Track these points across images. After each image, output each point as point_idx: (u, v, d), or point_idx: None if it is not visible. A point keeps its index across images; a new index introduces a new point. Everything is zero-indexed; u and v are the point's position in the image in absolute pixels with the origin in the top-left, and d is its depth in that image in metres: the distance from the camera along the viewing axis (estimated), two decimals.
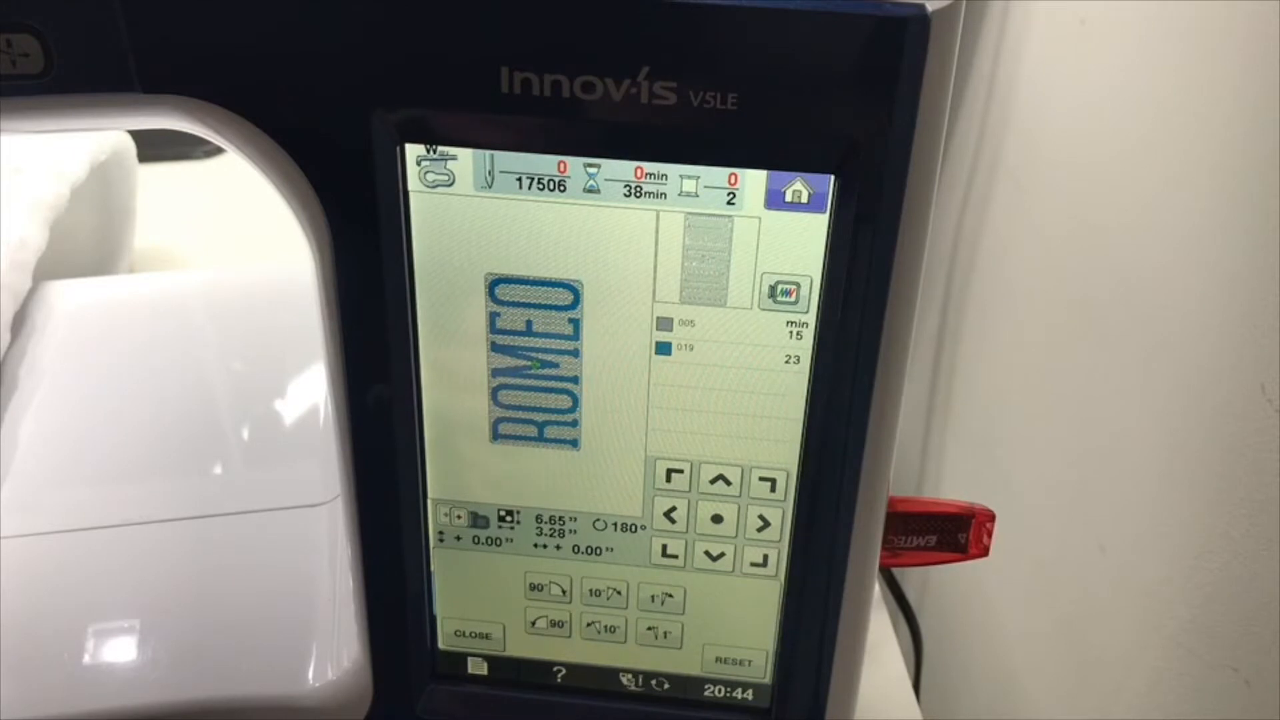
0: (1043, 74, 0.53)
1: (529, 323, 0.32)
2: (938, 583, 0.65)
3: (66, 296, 0.51)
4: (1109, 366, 0.46)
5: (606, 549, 0.35)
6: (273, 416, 0.45)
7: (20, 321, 0.49)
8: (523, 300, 0.31)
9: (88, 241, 0.62)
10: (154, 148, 0.72)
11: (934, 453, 0.67)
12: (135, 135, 0.64)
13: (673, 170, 0.29)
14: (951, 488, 0.65)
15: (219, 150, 0.80)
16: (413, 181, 0.30)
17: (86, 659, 0.37)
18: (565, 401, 0.33)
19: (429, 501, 0.34)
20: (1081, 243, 0.49)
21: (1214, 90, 0.39)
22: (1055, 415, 0.52)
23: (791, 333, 0.31)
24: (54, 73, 0.28)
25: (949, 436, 0.65)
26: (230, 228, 0.73)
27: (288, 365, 0.47)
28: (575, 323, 0.32)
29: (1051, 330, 0.52)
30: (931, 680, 0.62)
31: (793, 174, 0.29)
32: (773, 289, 0.31)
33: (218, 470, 0.43)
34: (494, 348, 0.32)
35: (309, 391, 0.46)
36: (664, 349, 0.32)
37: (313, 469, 0.42)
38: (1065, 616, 0.51)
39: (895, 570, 0.55)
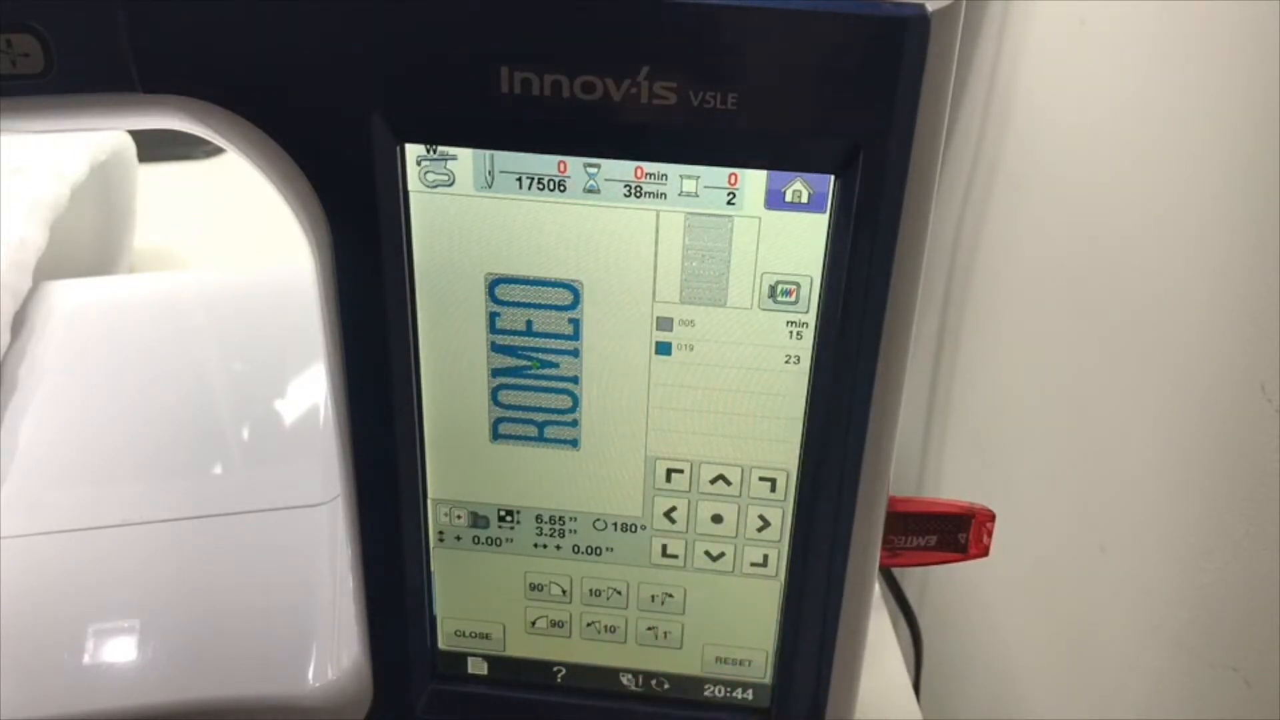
0: (1043, 74, 0.53)
1: (529, 323, 0.32)
2: (938, 583, 0.65)
3: (66, 296, 0.51)
4: (1109, 366, 0.46)
5: (606, 549, 0.35)
6: (273, 416, 0.45)
7: (20, 321, 0.49)
8: (523, 300, 0.31)
9: (88, 241, 0.62)
10: (154, 148, 0.72)
11: (934, 453, 0.67)
12: (135, 135, 0.64)
13: (673, 170, 0.29)
14: (951, 488, 0.65)
15: (219, 150, 0.79)
16: (413, 181, 0.30)
17: (87, 659, 0.37)
18: (565, 401, 0.33)
19: (429, 501, 0.34)
20: (1081, 242, 0.49)
21: (1213, 89, 0.39)
22: (1055, 415, 0.52)
23: (791, 333, 0.31)
24: (54, 73, 0.28)
25: (949, 436, 0.65)
26: (230, 228, 0.73)
27: (288, 365, 0.47)
28: (575, 323, 0.32)
29: (1051, 330, 0.52)
30: (931, 680, 0.62)
31: (793, 174, 0.29)
32: (773, 289, 0.31)
33: (218, 470, 0.43)
34: (494, 348, 0.32)
35: (309, 391, 0.46)
36: (664, 349, 0.32)
37: (313, 469, 0.42)
38: (1065, 616, 0.51)
39: (895, 570, 0.55)
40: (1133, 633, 0.45)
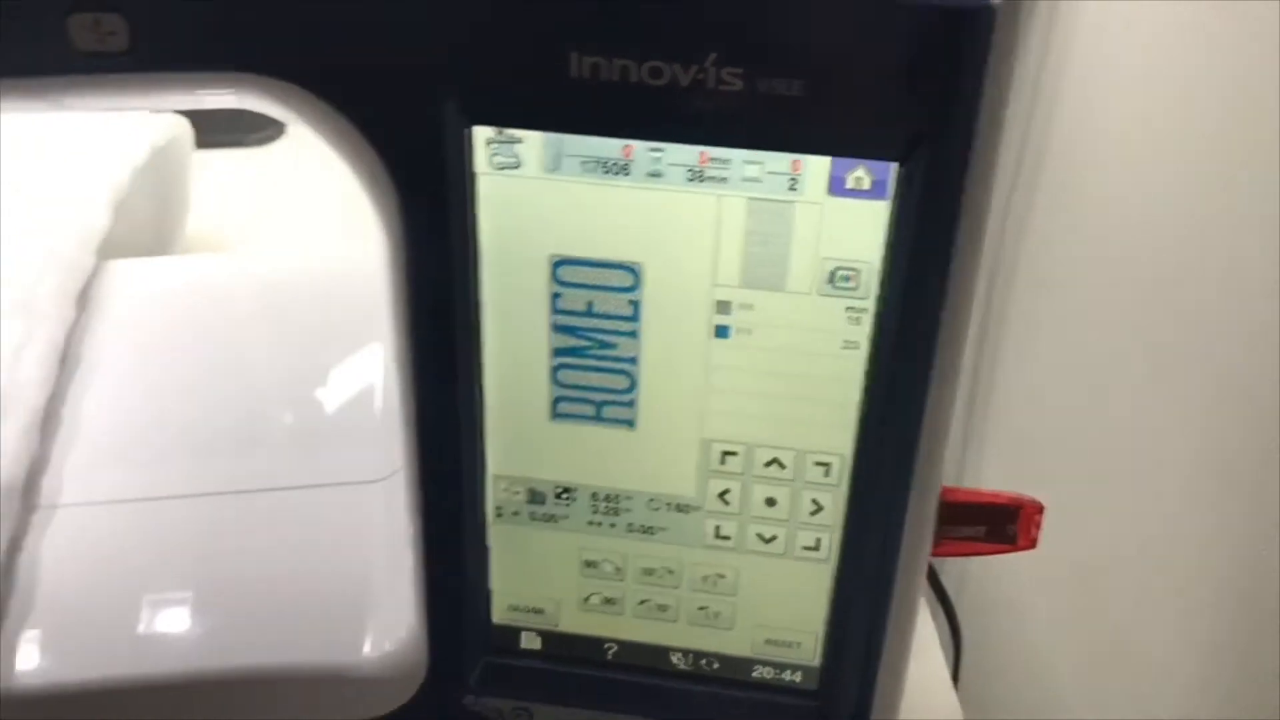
0: (1089, 73, 0.53)
1: (590, 304, 0.32)
2: (976, 577, 0.65)
3: (128, 276, 0.52)
4: (1154, 368, 0.46)
5: (660, 528, 0.35)
6: (332, 398, 0.46)
7: (84, 299, 0.50)
8: (584, 281, 0.32)
9: (144, 225, 0.63)
10: (206, 134, 0.72)
11: (974, 445, 0.67)
12: (189, 120, 0.65)
13: (736, 155, 0.30)
14: (990, 482, 0.65)
15: (271, 137, 0.80)
16: (480, 164, 0.31)
17: (146, 624, 0.38)
18: (623, 382, 0.33)
19: (489, 477, 0.35)
20: (1125, 239, 0.49)
21: (1267, 90, 0.39)
22: (1098, 416, 0.52)
23: (850, 318, 0.31)
24: (138, 50, 0.29)
25: (989, 434, 0.65)
26: (280, 215, 0.74)
27: (345, 349, 0.48)
28: (635, 304, 0.32)
29: (1096, 331, 0.52)
30: (969, 676, 0.62)
31: (855, 161, 0.29)
32: (832, 274, 0.31)
33: (279, 446, 0.44)
34: (555, 327, 0.33)
35: (366, 374, 0.47)
36: (722, 332, 0.32)
37: (370, 447, 0.43)
38: (1105, 616, 0.51)
39: (933, 565, 0.56)
40: (1173, 633, 0.45)
